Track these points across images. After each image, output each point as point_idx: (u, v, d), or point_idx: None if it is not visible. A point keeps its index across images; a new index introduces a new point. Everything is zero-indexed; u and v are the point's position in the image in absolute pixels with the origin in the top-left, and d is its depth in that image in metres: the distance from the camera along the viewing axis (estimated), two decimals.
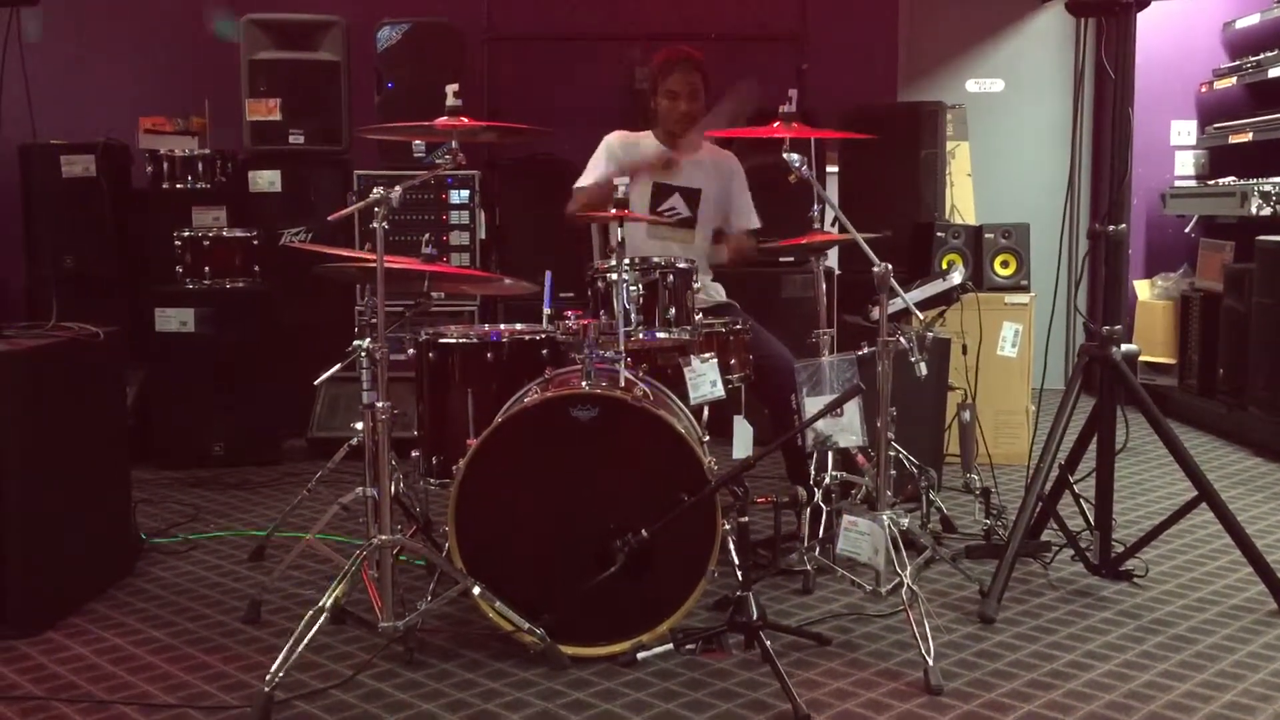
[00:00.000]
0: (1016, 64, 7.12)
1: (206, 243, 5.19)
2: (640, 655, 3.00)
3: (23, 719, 2.75)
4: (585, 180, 4.18)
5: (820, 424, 3.33)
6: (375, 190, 2.98)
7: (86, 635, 3.25)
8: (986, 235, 5.33)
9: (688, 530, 3.00)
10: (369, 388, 3.05)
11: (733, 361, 3.62)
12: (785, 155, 3.33)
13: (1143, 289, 6.69)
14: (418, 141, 5.54)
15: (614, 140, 4.23)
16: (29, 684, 2.93)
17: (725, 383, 3.41)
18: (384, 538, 3.01)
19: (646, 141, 4.23)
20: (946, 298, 4.07)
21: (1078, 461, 3.68)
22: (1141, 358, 6.35)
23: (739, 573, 3.02)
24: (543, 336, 3.51)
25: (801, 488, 3.59)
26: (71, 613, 3.39)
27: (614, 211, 3.22)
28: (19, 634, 3.20)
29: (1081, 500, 3.66)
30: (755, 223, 4.36)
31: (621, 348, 3.17)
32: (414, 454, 3.58)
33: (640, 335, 3.30)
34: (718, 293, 4.29)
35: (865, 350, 3.51)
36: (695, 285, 3.45)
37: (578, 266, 3.70)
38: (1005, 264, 5.30)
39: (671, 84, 4.13)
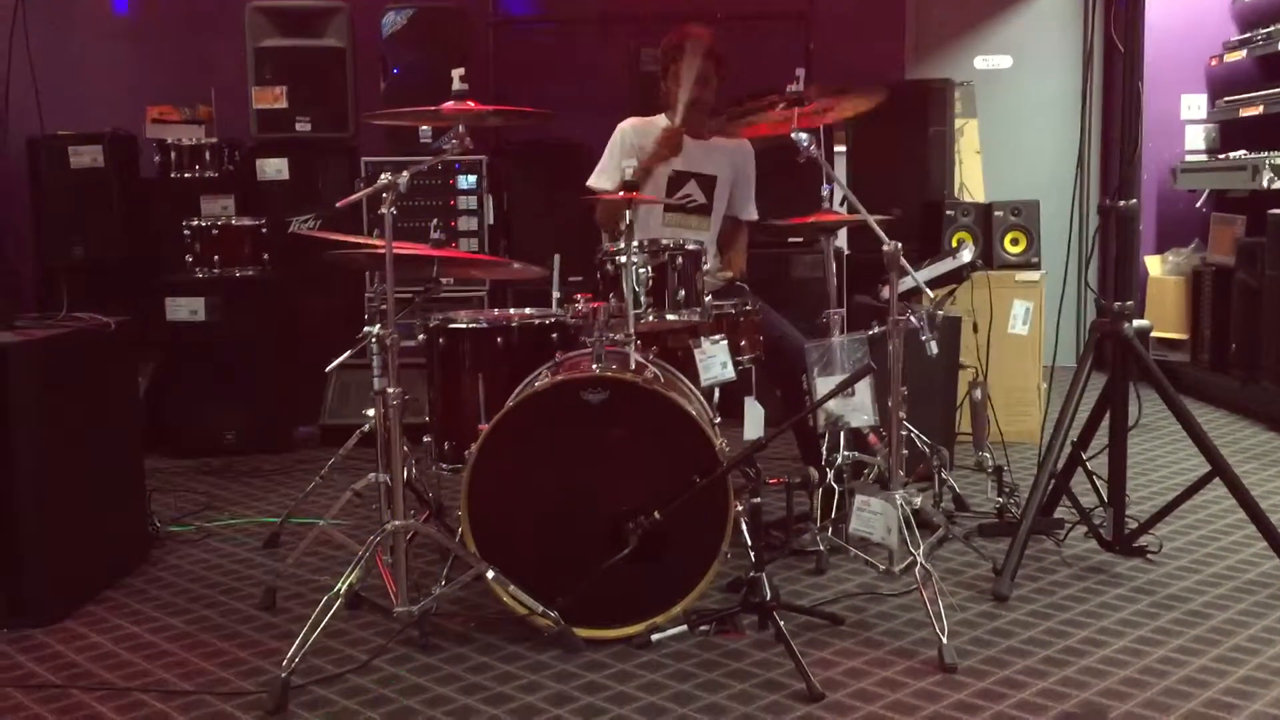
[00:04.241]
0: (1024, 40, 7.08)
1: (215, 231, 5.19)
2: (654, 637, 3.01)
3: (42, 707, 2.76)
4: (601, 180, 4.13)
5: (832, 404, 3.32)
6: (383, 176, 2.98)
7: (103, 624, 3.27)
8: (996, 213, 5.31)
9: (700, 512, 3.00)
10: (380, 374, 3.05)
11: (743, 343, 3.61)
12: (793, 135, 3.31)
13: (1154, 264, 6.66)
14: (425, 127, 5.53)
15: (627, 129, 4.17)
16: (47, 673, 2.94)
17: (736, 364, 3.40)
18: (397, 523, 3.02)
19: (659, 126, 4.18)
20: (956, 276, 4.05)
21: (1090, 438, 3.67)
22: (1154, 333, 6.32)
23: (752, 554, 3.03)
24: (552, 320, 3.51)
25: (813, 468, 3.59)
26: (88, 601, 3.41)
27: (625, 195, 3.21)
28: (37, 623, 3.22)
29: (1094, 477, 3.65)
30: (753, 214, 4.34)
31: (631, 330, 3.17)
32: (426, 439, 3.59)
33: (650, 318, 3.30)
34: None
35: (876, 329, 3.50)
36: (705, 266, 3.44)
37: (587, 250, 3.69)
38: (1015, 241, 5.28)
39: (680, 68, 4.09)
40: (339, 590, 2.99)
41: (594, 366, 3.09)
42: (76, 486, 3.40)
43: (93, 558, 3.49)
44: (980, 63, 7.09)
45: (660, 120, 4.20)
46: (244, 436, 5.19)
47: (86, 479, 3.46)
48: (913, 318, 3.22)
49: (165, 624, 3.26)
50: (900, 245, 3.16)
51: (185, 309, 5.12)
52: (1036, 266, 5.25)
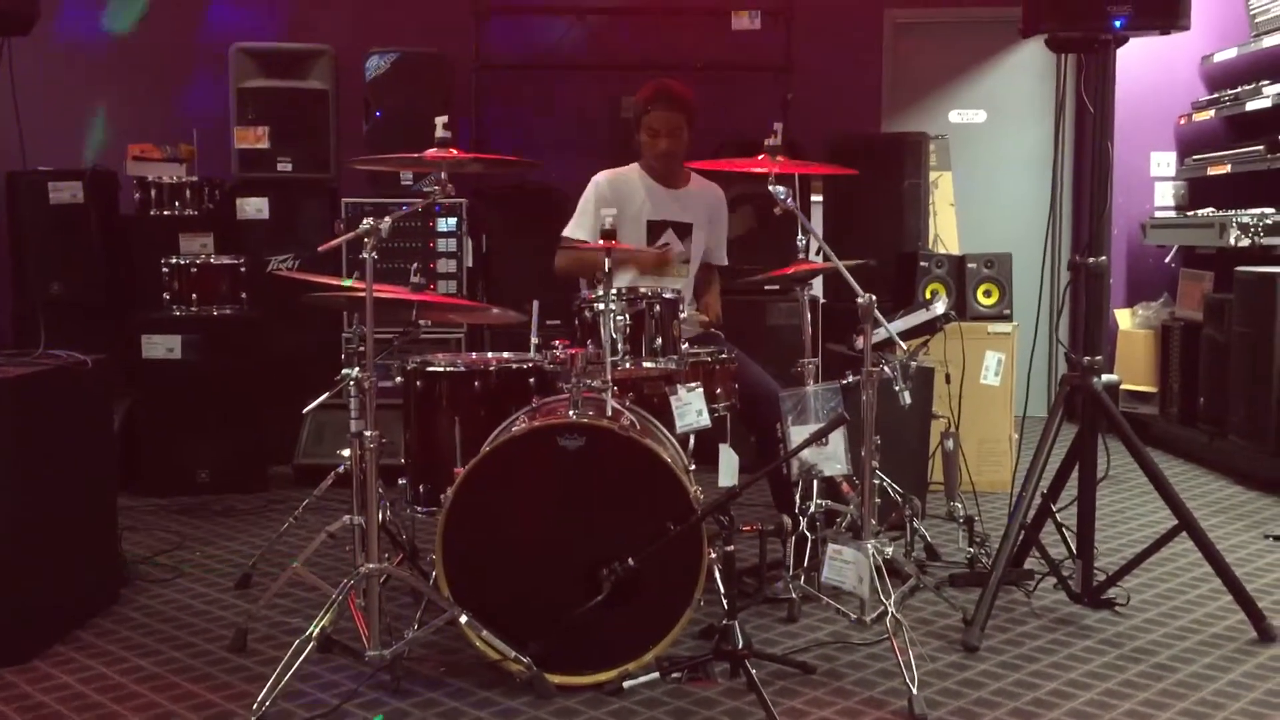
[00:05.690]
0: (998, 95, 7.19)
1: (194, 270, 5.19)
2: (626, 684, 3.01)
3: None
4: (576, 231, 4.14)
5: (805, 453, 3.35)
6: (365, 221, 3.00)
7: (72, 664, 3.25)
8: (969, 265, 5.38)
9: (674, 559, 3.01)
10: (357, 416, 3.06)
11: (718, 390, 3.64)
12: (770, 187, 3.37)
13: (1124, 318, 6.75)
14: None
15: (602, 181, 4.18)
16: (14, 713, 2.91)
17: (711, 412, 3.42)
18: (371, 566, 3.02)
19: (633, 177, 4.22)
20: (930, 327, 4.10)
21: (1060, 490, 3.71)
22: (1123, 386, 6.39)
23: (725, 601, 3.04)
24: (530, 365, 3.53)
25: (787, 516, 3.60)
26: (57, 641, 3.38)
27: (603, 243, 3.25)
28: (4, 662, 3.19)
29: (1064, 529, 3.69)
30: (725, 260, 4.39)
31: (608, 377, 3.19)
32: (401, 482, 3.59)
33: (627, 365, 3.32)
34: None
35: (850, 379, 3.53)
36: (681, 314, 3.48)
37: (565, 295, 3.72)
38: (988, 293, 5.35)
39: (652, 120, 4.10)
40: (311, 633, 2.98)
41: (570, 412, 3.11)
42: (47, 524, 3.38)
43: (62, 597, 3.47)
44: (955, 116, 7.20)
45: (633, 169, 4.24)
46: (218, 475, 5.17)
47: (58, 517, 3.44)
48: (886, 368, 3.26)
49: (135, 665, 3.24)
50: (874, 297, 3.21)
51: (162, 346, 5.11)
52: (1009, 319, 5.32)
